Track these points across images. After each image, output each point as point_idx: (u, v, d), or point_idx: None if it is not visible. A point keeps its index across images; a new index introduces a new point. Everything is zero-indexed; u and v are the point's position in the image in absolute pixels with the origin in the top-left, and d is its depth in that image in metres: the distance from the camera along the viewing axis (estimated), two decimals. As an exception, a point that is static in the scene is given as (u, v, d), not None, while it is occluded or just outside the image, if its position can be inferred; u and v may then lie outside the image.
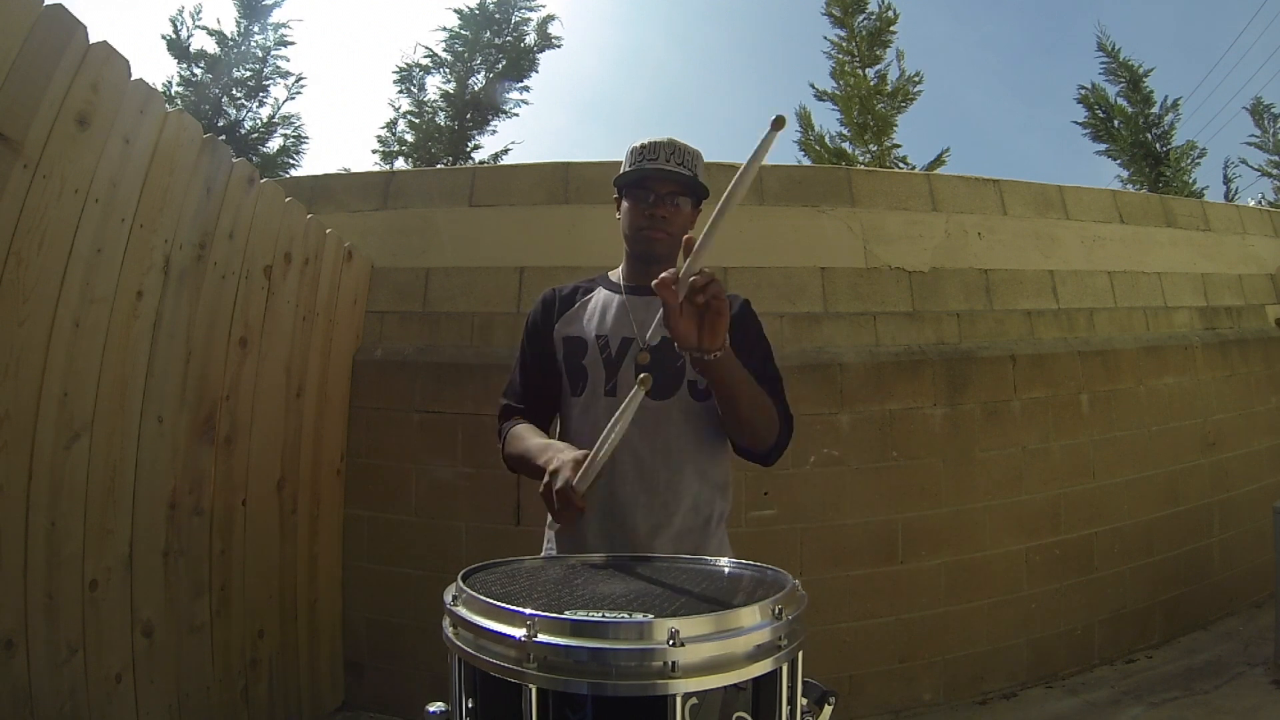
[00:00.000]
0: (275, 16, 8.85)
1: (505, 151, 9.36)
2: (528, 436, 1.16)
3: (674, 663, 0.55)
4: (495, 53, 9.27)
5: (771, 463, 1.17)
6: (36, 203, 1.22)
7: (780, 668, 0.62)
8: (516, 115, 9.57)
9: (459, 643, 0.64)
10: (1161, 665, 2.55)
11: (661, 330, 1.14)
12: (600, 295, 1.26)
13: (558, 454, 1.00)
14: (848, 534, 2.31)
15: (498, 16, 9.28)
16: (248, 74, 8.69)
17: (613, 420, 0.88)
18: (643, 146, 1.21)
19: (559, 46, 9.49)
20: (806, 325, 2.45)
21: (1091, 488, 2.62)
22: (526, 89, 9.34)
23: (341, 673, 2.33)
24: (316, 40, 22.44)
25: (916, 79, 8.89)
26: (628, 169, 1.21)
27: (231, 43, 8.65)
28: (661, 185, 1.18)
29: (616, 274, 1.30)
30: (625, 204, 1.23)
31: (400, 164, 8.88)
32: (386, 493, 2.34)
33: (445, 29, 9.31)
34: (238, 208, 1.80)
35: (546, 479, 0.96)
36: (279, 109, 8.76)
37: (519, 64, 9.26)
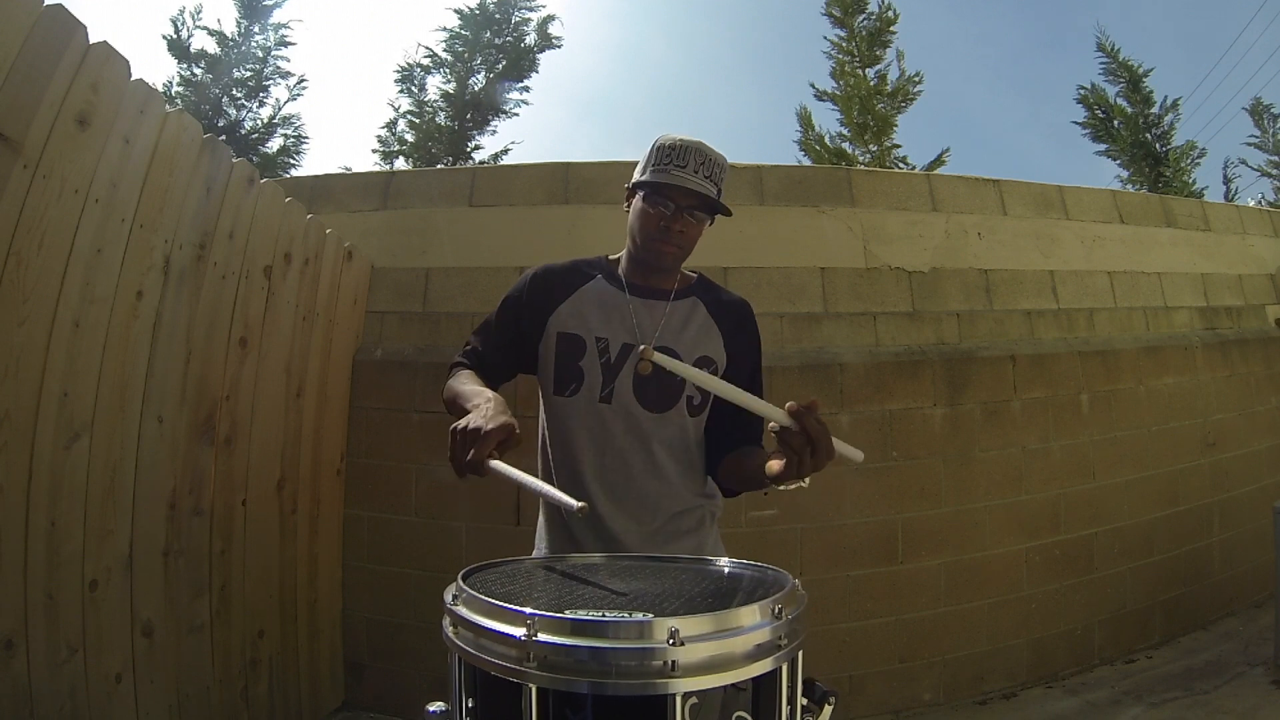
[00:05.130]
0: (276, 17, 8.88)
1: (505, 151, 9.39)
2: (468, 381, 1.12)
3: (674, 662, 0.55)
4: (495, 53, 9.28)
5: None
6: (36, 203, 1.22)
7: (780, 667, 0.62)
8: (516, 115, 9.61)
9: (459, 642, 0.64)
10: (1161, 665, 2.55)
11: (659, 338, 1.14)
12: (601, 287, 1.20)
13: (488, 408, 0.92)
14: (848, 534, 2.31)
15: (498, 16, 9.30)
16: (248, 74, 8.70)
17: (548, 490, 0.82)
18: (672, 147, 1.11)
19: (559, 46, 9.52)
20: (806, 325, 2.45)
21: (1091, 488, 2.62)
22: (526, 89, 9.38)
23: (341, 673, 2.33)
24: (317, 40, 22.47)
25: (916, 79, 8.93)
26: (653, 169, 1.12)
27: (232, 43, 8.67)
28: (684, 198, 1.11)
29: (620, 266, 1.24)
30: (640, 204, 1.15)
31: (400, 164, 8.90)
32: (386, 493, 2.34)
33: (445, 29, 9.35)
34: (238, 208, 1.79)
35: (470, 427, 0.88)
36: (279, 109, 8.79)
37: (519, 64, 9.27)
